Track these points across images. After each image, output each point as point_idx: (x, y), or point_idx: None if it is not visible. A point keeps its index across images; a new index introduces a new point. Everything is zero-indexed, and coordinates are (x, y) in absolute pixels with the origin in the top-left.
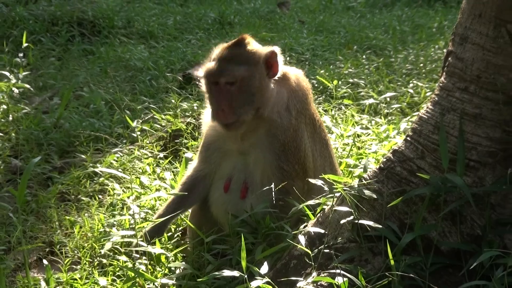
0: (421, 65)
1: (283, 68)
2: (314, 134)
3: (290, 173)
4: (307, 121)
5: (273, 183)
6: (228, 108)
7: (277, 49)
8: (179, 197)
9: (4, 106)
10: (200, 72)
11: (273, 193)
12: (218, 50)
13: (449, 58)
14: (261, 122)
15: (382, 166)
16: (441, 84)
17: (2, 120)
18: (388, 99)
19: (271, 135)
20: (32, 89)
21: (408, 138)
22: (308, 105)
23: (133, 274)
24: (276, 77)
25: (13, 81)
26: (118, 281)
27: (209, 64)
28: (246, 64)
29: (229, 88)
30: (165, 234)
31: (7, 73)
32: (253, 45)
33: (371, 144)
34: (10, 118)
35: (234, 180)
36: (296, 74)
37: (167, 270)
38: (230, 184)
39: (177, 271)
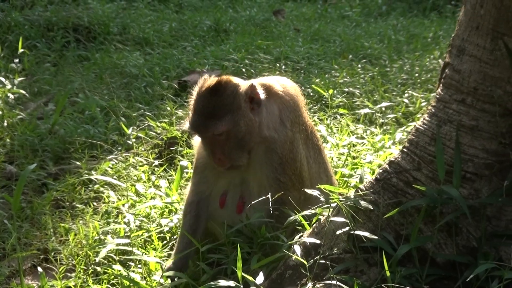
0: (416, 75)
1: (266, 82)
2: (307, 141)
3: (287, 184)
4: (300, 129)
5: (269, 194)
6: (222, 155)
7: (254, 81)
8: (191, 226)
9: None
10: (186, 126)
11: (270, 202)
12: (197, 96)
13: (446, 70)
14: (260, 141)
15: (378, 177)
16: (438, 96)
17: None
18: (383, 108)
19: (269, 151)
20: (27, 94)
21: (404, 150)
22: (300, 111)
23: (128, 283)
24: (262, 98)
25: (8, 86)
26: None
27: (192, 118)
28: (229, 113)
29: (218, 138)
30: (159, 243)
31: (3, 79)
32: (230, 87)
33: (366, 154)
34: (5, 124)
35: (229, 195)
36: (282, 84)
37: (162, 279)
38: (225, 199)
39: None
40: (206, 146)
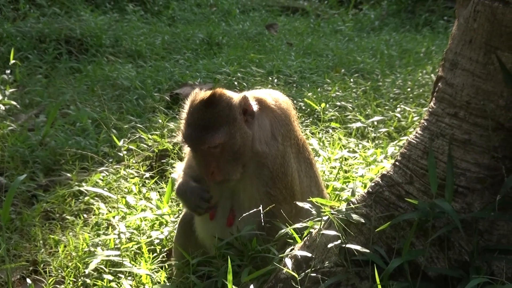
0: (409, 89)
1: (258, 95)
2: (299, 155)
3: (277, 197)
4: (292, 143)
5: (261, 206)
6: (216, 169)
7: (247, 93)
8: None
9: None
10: (178, 139)
11: (261, 215)
12: (190, 109)
13: (439, 84)
14: (251, 156)
15: (370, 190)
16: (430, 110)
17: None
18: (375, 123)
19: (261, 165)
20: (18, 106)
21: (396, 163)
22: (292, 126)
23: None
24: (255, 111)
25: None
26: None
27: (187, 130)
28: (225, 124)
29: (213, 150)
30: (150, 255)
31: None
32: (225, 99)
33: (358, 168)
34: None
35: (220, 207)
36: (274, 98)
37: None
38: (215, 211)
39: None
40: (199, 160)
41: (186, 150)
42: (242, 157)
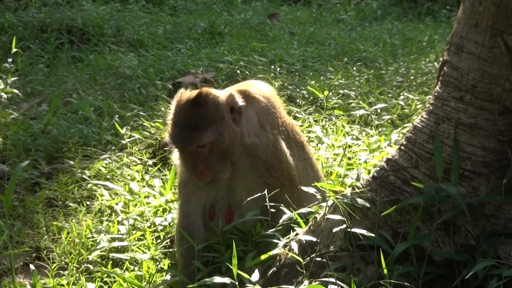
0: (412, 77)
1: (242, 88)
2: (289, 139)
3: (276, 185)
4: (281, 130)
5: (265, 191)
6: (205, 169)
7: (231, 90)
8: (187, 256)
9: None
10: (166, 138)
11: (266, 199)
12: (177, 109)
13: (445, 68)
14: (242, 150)
15: (376, 174)
16: (436, 94)
17: None
18: (379, 110)
19: (253, 157)
20: (20, 94)
21: (402, 147)
22: (278, 112)
23: (122, 281)
24: (241, 105)
25: (1, 86)
26: (106, 287)
27: (174, 131)
28: (213, 123)
29: (201, 150)
30: (154, 241)
31: None
32: (212, 98)
33: (362, 154)
34: None
35: (218, 207)
36: (257, 87)
37: (156, 277)
38: (215, 212)
39: (167, 278)
40: (186, 160)
41: (178, 170)
42: (231, 155)
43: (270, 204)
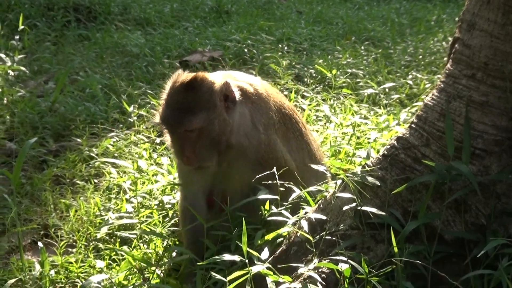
0: (420, 57)
1: (239, 83)
2: (287, 133)
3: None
4: (276, 127)
5: (274, 169)
6: (191, 154)
7: (229, 79)
8: (192, 234)
9: None
10: (156, 119)
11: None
12: (171, 90)
13: (456, 45)
14: (232, 148)
15: (386, 153)
16: (447, 71)
17: None
18: (387, 89)
19: (242, 156)
20: (27, 72)
21: (412, 125)
22: (273, 110)
23: (130, 259)
24: (236, 99)
25: (8, 63)
26: (114, 265)
27: (165, 112)
28: (204, 109)
29: (190, 134)
30: (161, 218)
31: (3, 56)
32: (206, 84)
33: (370, 133)
34: (5, 101)
35: (215, 194)
36: (252, 84)
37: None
38: (213, 200)
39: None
40: (175, 143)
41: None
42: (219, 144)
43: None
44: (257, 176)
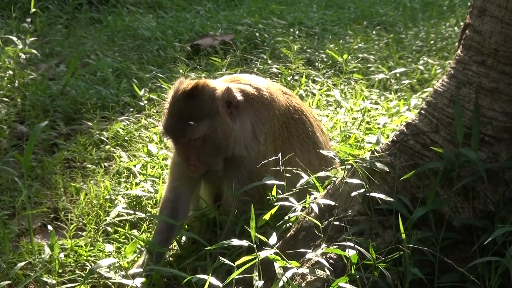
0: (432, 42)
1: (241, 87)
2: (291, 137)
3: (254, 196)
4: (276, 135)
5: (280, 154)
6: (197, 161)
7: (231, 84)
8: (164, 226)
9: (10, 72)
10: (160, 128)
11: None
12: (173, 99)
13: (467, 31)
14: (232, 159)
15: (395, 139)
16: (457, 57)
17: (8, 85)
18: (398, 75)
19: (237, 166)
20: (39, 55)
21: (422, 111)
22: (276, 116)
23: (142, 243)
24: (239, 104)
25: (20, 46)
26: (123, 248)
27: (167, 121)
28: (207, 117)
29: (194, 143)
30: None
31: (14, 39)
32: (208, 91)
33: (380, 119)
34: (16, 84)
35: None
36: (256, 87)
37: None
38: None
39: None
40: (179, 152)
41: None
42: (224, 151)
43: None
44: (242, 189)
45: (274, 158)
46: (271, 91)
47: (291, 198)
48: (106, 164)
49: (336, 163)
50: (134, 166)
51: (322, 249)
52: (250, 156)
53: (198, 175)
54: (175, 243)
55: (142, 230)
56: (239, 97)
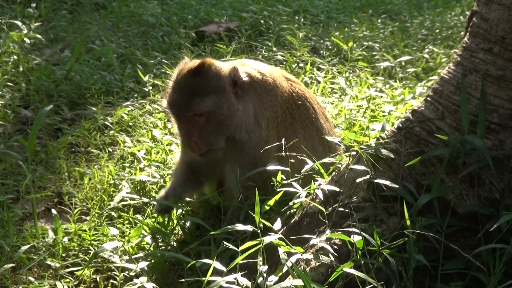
0: (437, 31)
1: (247, 69)
2: (294, 123)
3: (256, 181)
4: (279, 121)
5: (283, 139)
6: (199, 139)
7: (238, 65)
8: (182, 176)
9: (15, 57)
10: (163, 103)
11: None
12: (178, 76)
13: (474, 18)
14: (233, 143)
15: (401, 125)
16: (464, 45)
17: (13, 70)
18: (403, 63)
19: (240, 151)
20: (43, 40)
21: (428, 98)
22: (279, 102)
23: (146, 227)
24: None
25: (25, 31)
26: (127, 233)
27: (172, 96)
28: (212, 93)
29: (198, 119)
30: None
31: (19, 23)
32: (214, 68)
33: (385, 106)
34: (21, 69)
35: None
36: (260, 71)
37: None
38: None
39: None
40: (181, 128)
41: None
42: (227, 129)
43: (291, 154)
44: (246, 175)
45: (277, 143)
46: (274, 77)
47: (295, 184)
48: (110, 149)
49: (340, 149)
50: (138, 151)
51: (326, 235)
52: (251, 141)
53: (199, 154)
54: (178, 229)
55: (146, 215)
56: (245, 78)
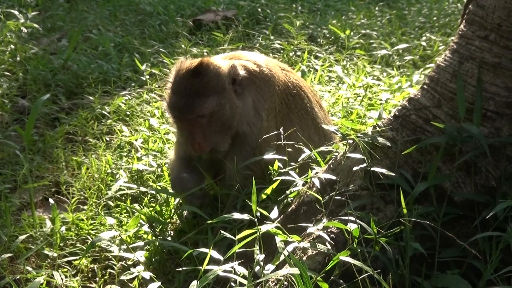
0: (435, 18)
1: (244, 63)
2: (290, 114)
3: (256, 172)
4: (277, 111)
5: (281, 128)
6: (203, 140)
7: (235, 61)
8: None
9: (12, 46)
10: (164, 106)
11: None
12: (176, 78)
13: (470, 6)
14: (235, 136)
15: (397, 113)
16: (460, 32)
17: (10, 59)
18: (400, 51)
19: (241, 143)
20: (40, 29)
21: (424, 86)
22: (276, 92)
23: (143, 217)
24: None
25: (22, 20)
26: (124, 222)
27: (173, 99)
28: (213, 93)
29: (200, 120)
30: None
31: (16, 12)
32: (213, 68)
33: (382, 94)
34: (18, 58)
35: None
36: (256, 63)
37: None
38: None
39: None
40: (184, 131)
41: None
42: (230, 128)
43: (289, 143)
44: (244, 163)
45: (275, 132)
46: (270, 67)
47: (292, 173)
48: (107, 138)
49: (336, 138)
50: (136, 140)
51: (323, 223)
52: (253, 133)
53: (203, 154)
54: (176, 218)
55: (143, 204)
56: (243, 73)
